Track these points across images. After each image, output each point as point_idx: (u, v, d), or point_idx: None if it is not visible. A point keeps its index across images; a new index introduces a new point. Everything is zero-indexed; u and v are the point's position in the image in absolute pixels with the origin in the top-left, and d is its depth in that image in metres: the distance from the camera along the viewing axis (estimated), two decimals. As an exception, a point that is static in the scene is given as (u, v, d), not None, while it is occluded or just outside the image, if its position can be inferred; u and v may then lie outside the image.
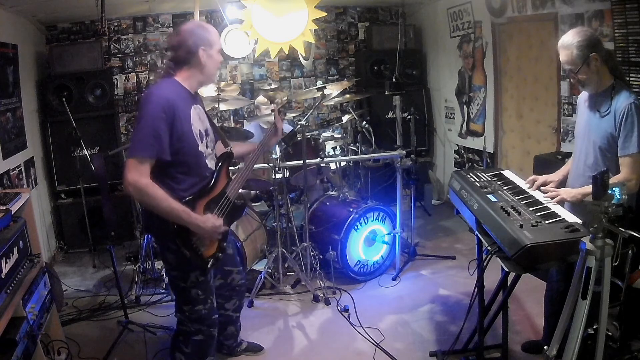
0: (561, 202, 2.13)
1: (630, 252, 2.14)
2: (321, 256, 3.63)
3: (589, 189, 2.14)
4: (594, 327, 1.72)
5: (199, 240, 2.14)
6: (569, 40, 2.13)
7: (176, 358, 2.32)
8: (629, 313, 2.29)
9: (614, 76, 2.17)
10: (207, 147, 2.22)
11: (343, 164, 4.42)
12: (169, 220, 2.04)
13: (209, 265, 2.21)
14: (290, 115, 4.69)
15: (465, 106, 5.10)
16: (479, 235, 2.21)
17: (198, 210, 2.11)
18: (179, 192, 2.08)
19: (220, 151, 2.37)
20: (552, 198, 2.15)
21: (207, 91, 3.93)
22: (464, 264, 3.83)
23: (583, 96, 2.35)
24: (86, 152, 3.80)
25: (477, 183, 2.38)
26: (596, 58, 2.10)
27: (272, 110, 3.57)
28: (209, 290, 2.28)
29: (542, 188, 2.31)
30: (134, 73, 5.19)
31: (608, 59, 2.16)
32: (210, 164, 2.25)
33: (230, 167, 2.41)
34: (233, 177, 2.35)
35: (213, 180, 2.22)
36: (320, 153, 3.80)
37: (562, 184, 2.38)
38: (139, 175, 1.95)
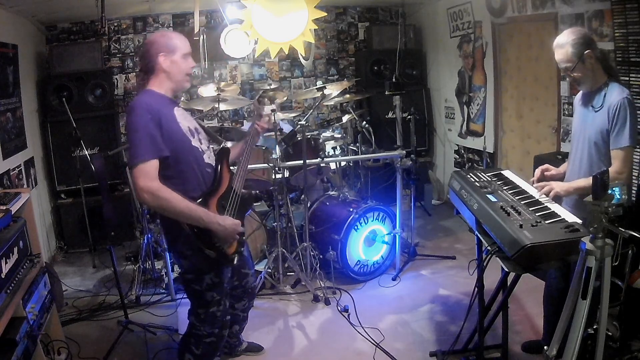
0: (557, 198, 2.14)
1: (630, 252, 2.15)
2: (321, 256, 3.63)
3: (581, 182, 2.18)
4: (594, 327, 1.72)
5: (220, 240, 2.14)
6: (563, 39, 2.18)
7: (185, 358, 2.33)
8: (629, 313, 2.29)
9: (607, 74, 2.21)
10: (200, 143, 2.23)
11: (343, 164, 4.42)
12: (186, 223, 2.05)
13: (235, 262, 2.23)
14: (290, 115, 4.70)
15: (465, 106, 5.10)
16: (479, 235, 2.21)
17: (211, 210, 2.13)
18: (187, 192, 2.08)
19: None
20: (546, 194, 2.16)
21: (207, 91, 3.93)
22: (464, 264, 3.83)
23: (577, 97, 2.40)
24: (86, 152, 3.79)
25: (477, 183, 2.38)
26: (590, 55, 2.13)
27: (273, 111, 3.58)
28: (223, 292, 2.29)
29: (535, 185, 2.32)
30: (134, 73, 5.18)
31: (602, 57, 2.20)
32: (209, 160, 2.26)
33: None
34: (235, 171, 2.36)
35: (217, 177, 2.23)
36: (320, 153, 3.80)
37: (562, 178, 2.40)
38: (148, 180, 1.95)
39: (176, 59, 2.15)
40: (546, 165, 2.46)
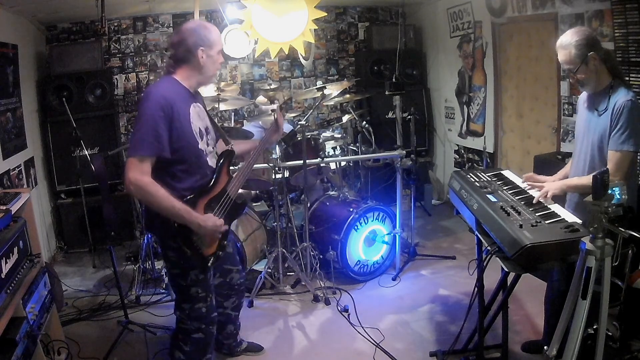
0: (555, 198, 2.14)
1: (630, 252, 2.14)
2: (321, 256, 3.63)
3: (574, 180, 2.17)
4: (594, 327, 1.72)
5: (199, 239, 2.14)
6: (567, 40, 2.13)
7: (175, 356, 2.33)
8: (629, 313, 2.29)
9: (612, 76, 2.17)
10: (207, 145, 2.23)
11: (343, 164, 4.42)
12: (170, 218, 2.05)
13: (209, 264, 2.22)
14: (290, 115, 4.70)
15: (465, 106, 5.10)
16: (478, 235, 2.21)
17: (199, 209, 2.12)
18: (180, 190, 2.09)
19: (221, 149, 2.38)
20: (543, 197, 2.15)
21: (207, 91, 3.93)
22: (464, 264, 3.83)
23: (582, 97, 2.36)
24: (86, 152, 3.79)
25: (477, 183, 2.38)
26: (594, 57, 2.10)
27: (273, 111, 3.58)
28: (208, 289, 2.29)
29: (529, 185, 2.31)
30: (134, 73, 5.19)
31: (607, 58, 2.16)
32: (211, 161, 2.25)
33: (231, 167, 2.41)
34: (234, 176, 2.35)
35: (214, 178, 2.23)
36: (320, 153, 3.80)
37: None
38: (140, 174, 1.95)
39: (212, 54, 2.13)
40: (538, 178, 2.41)
